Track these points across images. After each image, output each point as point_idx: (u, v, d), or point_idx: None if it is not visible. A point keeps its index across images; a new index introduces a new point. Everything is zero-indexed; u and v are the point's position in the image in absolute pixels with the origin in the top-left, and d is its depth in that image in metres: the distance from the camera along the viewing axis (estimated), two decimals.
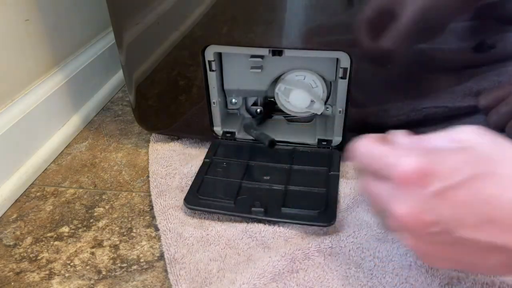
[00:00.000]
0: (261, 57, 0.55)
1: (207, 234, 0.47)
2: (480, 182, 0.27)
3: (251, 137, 0.58)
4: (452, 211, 0.28)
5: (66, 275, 0.44)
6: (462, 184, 0.27)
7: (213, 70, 0.54)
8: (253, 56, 0.55)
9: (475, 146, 0.29)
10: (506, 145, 0.29)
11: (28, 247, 0.48)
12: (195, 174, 0.54)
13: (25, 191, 0.57)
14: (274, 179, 0.52)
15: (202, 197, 0.50)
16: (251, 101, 0.62)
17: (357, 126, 0.54)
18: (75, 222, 0.51)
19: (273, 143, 0.47)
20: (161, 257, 0.46)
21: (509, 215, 0.27)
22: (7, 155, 0.55)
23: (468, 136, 0.30)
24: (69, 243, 0.48)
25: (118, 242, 0.48)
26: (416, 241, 0.30)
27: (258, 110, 0.62)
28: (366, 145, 0.33)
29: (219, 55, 0.56)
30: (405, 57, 0.48)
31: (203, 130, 0.60)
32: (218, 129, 0.60)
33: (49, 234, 0.50)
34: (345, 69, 0.50)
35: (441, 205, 0.28)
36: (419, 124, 0.52)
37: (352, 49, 0.48)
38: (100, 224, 0.51)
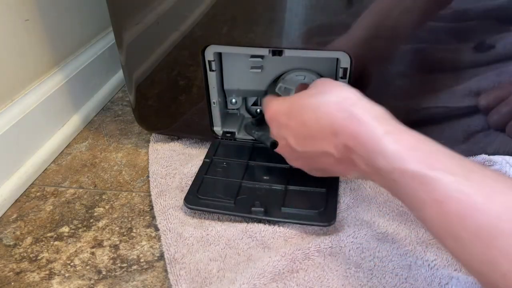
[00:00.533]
0: (261, 57, 0.55)
1: (207, 234, 0.47)
2: (300, 116, 0.41)
3: (251, 137, 0.58)
4: (291, 136, 0.42)
5: (66, 275, 0.44)
6: (293, 118, 0.42)
7: (213, 70, 0.54)
8: (253, 56, 0.55)
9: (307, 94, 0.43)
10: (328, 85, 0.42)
11: (28, 247, 0.48)
12: (195, 174, 0.54)
13: (25, 191, 0.57)
14: (274, 179, 0.52)
15: (202, 197, 0.50)
16: (251, 101, 0.62)
17: None
18: (75, 222, 0.51)
19: (275, 144, 0.47)
20: (161, 257, 0.46)
21: (317, 131, 0.39)
22: (7, 155, 0.55)
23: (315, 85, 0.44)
24: (69, 243, 0.48)
25: (118, 242, 0.48)
26: (291, 160, 0.47)
27: (258, 110, 0.62)
28: (267, 98, 0.50)
29: (219, 55, 0.56)
30: (405, 57, 0.48)
31: (203, 130, 0.60)
32: (218, 129, 0.60)
33: (49, 234, 0.50)
34: (345, 69, 0.50)
35: (285, 131, 0.43)
36: (419, 124, 0.52)
37: (352, 49, 0.48)
38: (100, 224, 0.51)
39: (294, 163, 0.48)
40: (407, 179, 0.31)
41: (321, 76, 0.56)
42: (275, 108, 0.45)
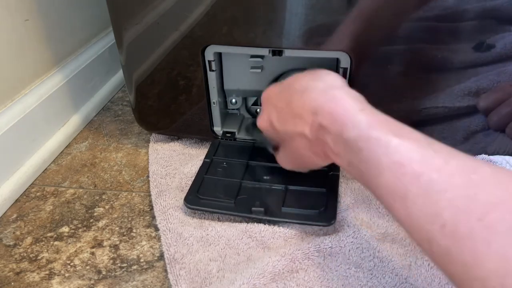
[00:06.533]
0: (261, 57, 0.55)
1: (207, 234, 0.47)
2: (288, 97, 0.43)
3: (251, 137, 0.58)
4: (275, 114, 0.44)
5: (66, 275, 0.44)
6: (282, 99, 0.44)
7: (213, 70, 0.54)
8: (253, 56, 0.55)
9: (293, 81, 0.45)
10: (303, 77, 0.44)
11: (28, 247, 0.48)
12: (195, 174, 0.54)
13: (25, 191, 0.57)
14: (274, 179, 0.52)
15: (202, 197, 0.50)
16: (251, 101, 0.62)
17: None
18: (75, 222, 0.51)
19: (277, 149, 0.47)
20: (161, 257, 0.46)
21: (300, 111, 0.40)
22: (7, 155, 0.55)
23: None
24: (69, 243, 0.48)
25: (118, 242, 0.48)
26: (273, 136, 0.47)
27: (258, 110, 0.62)
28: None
29: (219, 55, 0.56)
30: (405, 57, 0.48)
31: (203, 130, 0.60)
32: (218, 129, 0.60)
33: (49, 234, 0.50)
34: (345, 69, 0.50)
35: (272, 110, 0.45)
36: (419, 124, 0.52)
37: (352, 49, 0.48)
38: (100, 224, 0.51)
39: (276, 138, 0.49)
40: (371, 145, 0.32)
41: None
42: (269, 90, 0.48)
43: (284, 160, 0.48)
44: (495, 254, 0.22)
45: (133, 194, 0.56)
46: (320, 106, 0.38)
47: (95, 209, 0.53)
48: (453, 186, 0.26)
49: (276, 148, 0.48)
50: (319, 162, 0.43)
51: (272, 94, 0.46)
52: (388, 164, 0.30)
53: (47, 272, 0.45)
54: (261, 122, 0.47)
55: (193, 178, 0.53)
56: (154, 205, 0.52)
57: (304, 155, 0.43)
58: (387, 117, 0.35)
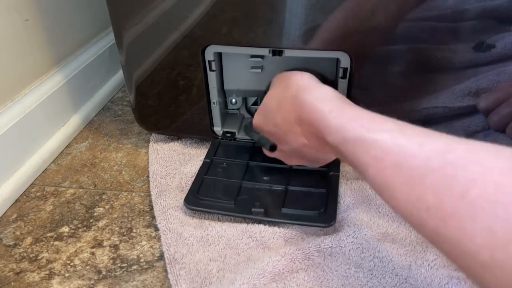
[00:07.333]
0: (261, 57, 0.55)
1: (207, 234, 0.47)
2: (272, 120, 0.46)
3: (250, 137, 0.58)
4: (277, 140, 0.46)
5: (66, 275, 0.44)
6: (268, 124, 0.47)
7: (213, 70, 0.54)
8: (253, 56, 0.55)
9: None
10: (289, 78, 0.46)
11: (28, 247, 0.48)
12: (195, 174, 0.54)
13: (25, 191, 0.57)
14: (274, 179, 0.52)
15: (202, 198, 0.50)
16: (251, 101, 0.62)
17: None
18: (75, 222, 0.51)
19: (274, 147, 0.47)
20: (161, 257, 0.46)
21: (287, 129, 0.43)
22: (7, 155, 0.55)
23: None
24: (69, 243, 0.48)
25: (118, 242, 0.48)
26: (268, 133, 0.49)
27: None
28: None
29: (219, 55, 0.56)
30: (405, 57, 0.48)
31: (203, 130, 0.60)
32: (218, 129, 0.60)
33: (49, 234, 0.50)
34: (345, 69, 0.50)
35: (271, 137, 0.47)
36: (419, 125, 0.52)
37: (352, 49, 0.48)
38: (100, 224, 0.51)
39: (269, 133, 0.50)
40: (350, 147, 0.34)
41: (321, 76, 0.56)
42: (255, 120, 0.51)
43: (289, 158, 0.50)
44: (481, 230, 0.23)
45: (133, 194, 0.56)
46: (299, 118, 0.41)
47: (95, 209, 0.53)
48: (432, 169, 0.27)
49: (274, 147, 0.48)
50: (327, 157, 0.45)
51: (260, 123, 0.49)
52: (368, 160, 0.31)
53: (47, 272, 0.45)
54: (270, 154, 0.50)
55: (193, 178, 0.53)
56: (154, 205, 0.52)
57: (311, 154, 0.45)
58: (356, 110, 0.36)
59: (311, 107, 0.39)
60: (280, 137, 0.46)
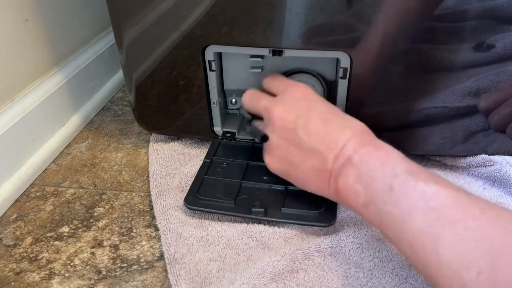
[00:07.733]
0: (261, 57, 0.55)
1: (207, 234, 0.47)
2: (306, 116, 0.44)
3: (251, 137, 0.58)
4: (302, 124, 0.44)
5: (66, 275, 0.44)
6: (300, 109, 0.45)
7: (213, 70, 0.54)
8: (253, 56, 0.55)
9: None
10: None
11: (28, 247, 0.48)
12: (195, 174, 0.54)
13: (25, 191, 0.57)
14: (274, 179, 0.52)
15: (202, 197, 0.50)
16: None
17: None
18: (75, 222, 0.51)
19: (265, 138, 0.47)
20: (161, 257, 0.46)
21: (319, 137, 0.41)
22: (7, 155, 0.55)
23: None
24: (69, 243, 0.48)
25: (118, 242, 0.48)
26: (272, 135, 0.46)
27: None
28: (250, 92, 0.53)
29: (219, 55, 0.56)
30: (405, 57, 0.48)
31: (203, 130, 0.60)
32: (218, 129, 0.60)
33: (49, 234, 0.50)
34: (345, 69, 0.50)
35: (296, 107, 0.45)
36: (420, 124, 0.52)
37: (352, 49, 0.48)
38: (100, 224, 0.51)
39: (275, 142, 0.47)
40: (408, 187, 0.33)
41: (322, 76, 0.56)
42: (280, 112, 0.47)
43: (276, 163, 0.48)
44: None
45: (133, 194, 0.56)
46: (355, 143, 0.39)
47: (95, 209, 0.53)
48: (491, 235, 0.27)
49: (265, 138, 0.48)
50: (318, 188, 0.44)
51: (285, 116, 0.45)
52: (423, 208, 0.31)
53: (47, 272, 0.45)
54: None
55: (193, 178, 0.53)
56: (154, 205, 0.52)
57: (309, 176, 0.43)
58: (425, 169, 0.36)
59: (381, 144, 0.39)
60: (293, 171, 0.45)
